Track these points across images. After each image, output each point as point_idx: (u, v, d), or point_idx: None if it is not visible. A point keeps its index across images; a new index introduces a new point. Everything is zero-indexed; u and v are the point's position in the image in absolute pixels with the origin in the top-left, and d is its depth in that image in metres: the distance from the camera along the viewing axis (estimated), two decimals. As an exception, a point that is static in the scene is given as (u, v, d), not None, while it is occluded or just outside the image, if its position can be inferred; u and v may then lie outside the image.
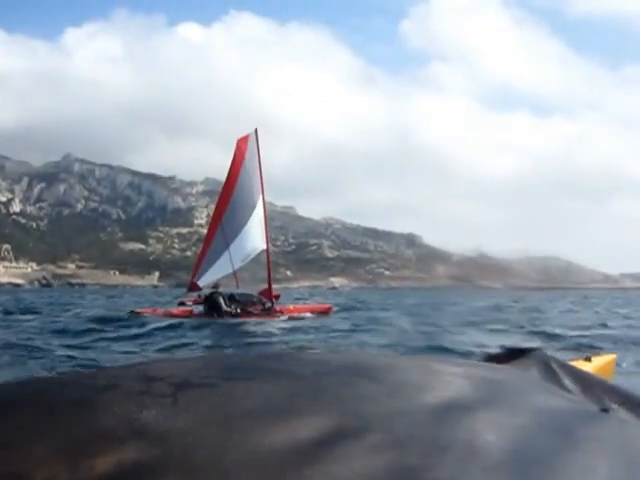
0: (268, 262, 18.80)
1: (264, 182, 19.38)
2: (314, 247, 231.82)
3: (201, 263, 18.55)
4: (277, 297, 18.35)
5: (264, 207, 19.18)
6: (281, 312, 17.42)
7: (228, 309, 16.64)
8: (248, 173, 19.02)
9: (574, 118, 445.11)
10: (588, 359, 2.00)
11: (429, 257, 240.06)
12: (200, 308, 17.19)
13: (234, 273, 18.34)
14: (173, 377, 0.82)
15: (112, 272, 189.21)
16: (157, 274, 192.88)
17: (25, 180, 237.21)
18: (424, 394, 0.88)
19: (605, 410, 0.97)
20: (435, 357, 1.11)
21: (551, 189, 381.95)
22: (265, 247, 18.84)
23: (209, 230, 19.39)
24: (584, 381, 1.12)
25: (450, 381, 0.93)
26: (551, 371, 1.13)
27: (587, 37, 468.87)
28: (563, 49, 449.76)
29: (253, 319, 16.32)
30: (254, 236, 18.67)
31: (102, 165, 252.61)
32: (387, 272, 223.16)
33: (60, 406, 0.75)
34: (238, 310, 16.80)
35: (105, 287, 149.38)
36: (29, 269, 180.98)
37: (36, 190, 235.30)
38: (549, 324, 14.58)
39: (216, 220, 19.04)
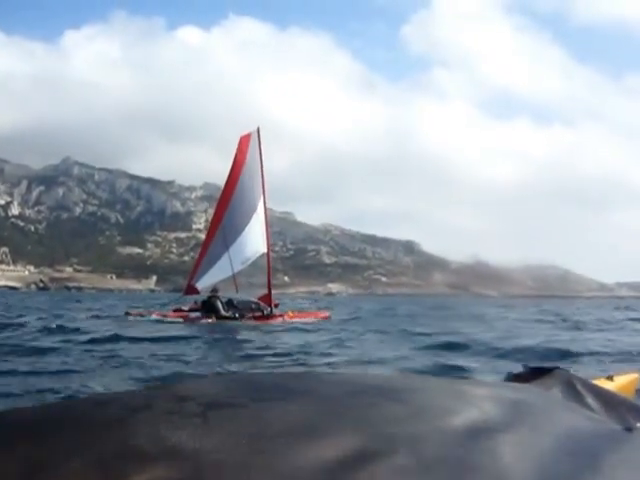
0: (268, 266, 18.21)
1: (265, 184, 18.82)
2: (312, 253, 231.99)
3: (200, 265, 17.96)
4: (276, 306, 17.87)
5: (265, 209, 18.62)
6: (280, 318, 16.99)
7: (226, 314, 16.22)
8: (250, 173, 18.43)
9: (575, 126, 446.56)
10: (610, 378, 2.03)
11: (427, 264, 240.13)
12: (197, 314, 16.69)
13: (233, 277, 17.75)
14: (203, 397, 0.84)
15: (109, 276, 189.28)
16: (154, 278, 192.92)
17: (24, 183, 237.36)
18: (449, 416, 0.88)
19: (629, 429, 0.97)
20: (459, 378, 1.12)
21: (550, 197, 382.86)
22: (265, 250, 18.31)
23: (209, 231, 18.79)
24: (607, 400, 1.12)
25: (475, 403, 0.94)
26: (574, 390, 1.13)
27: (589, 45, 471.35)
28: (565, 56, 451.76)
29: (250, 323, 15.96)
30: (255, 239, 18.11)
31: (101, 169, 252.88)
32: (384, 279, 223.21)
33: (94, 426, 0.77)
34: (236, 315, 16.41)
35: (102, 291, 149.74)
36: (26, 272, 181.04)
37: (35, 193, 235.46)
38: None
39: (216, 221, 18.44)
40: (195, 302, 17.31)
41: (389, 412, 0.87)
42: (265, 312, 17.01)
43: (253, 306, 17.22)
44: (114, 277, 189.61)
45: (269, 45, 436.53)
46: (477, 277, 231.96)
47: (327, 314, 19.33)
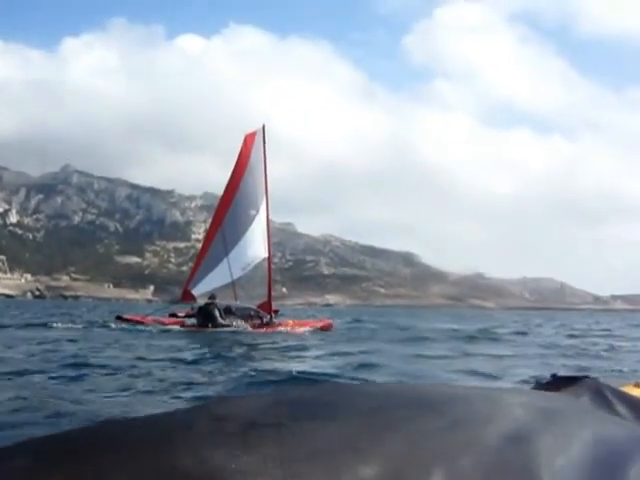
0: (269, 272, 17.45)
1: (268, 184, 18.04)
2: (311, 264, 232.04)
3: (197, 270, 17.09)
4: (276, 312, 17.28)
5: (267, 211, 17.82)
6: (280, 326, 16.28)
7: (223, 321, 15.44)
8: (253, 173, 17.64)
9: (575, 138, 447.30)
10: (638, 385, 2.01)
11: (425, 276, 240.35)
12: (193, 320, 16.01)
13: (233, 284, 16.89)
14: (242, 416, 0.84)
15: (106, 285, 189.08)
16: (152, 288, 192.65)
17: (23, 191, 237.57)
18: (487, 426, 0.89)
19: None
20: (492, 387, 1.14)
21: (548, 210, 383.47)
22: (267, 255, 17.51)
23: (208, 234, 17.91)
24: (636, 407, 1.13)
25: (510, 411, 0.94)
26: (603, 398, 1.13)
27: (591, 58, 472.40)
28: (567, 69, 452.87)
29: (249, 331, 15.30)
30: (256, 242, 17.35)
31: (101, 177, 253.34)
32: (382, 290, 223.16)
33: (134, 447, 0.79)
34: (234, 323, 15.67)
35: (98, 300, 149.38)
36: (22, 280, 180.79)
37: (33, 201, 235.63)
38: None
39: (216, 223, 17.49)
40: (192, 308, 16.67)
41: (427, 425, 0.87)
42: (265, 320, 16.34)
43: (252, 313, 16.51)
44: (111, 286, 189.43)
45: (269, 54, 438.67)
46: (475, 289, 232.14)
47: (329, 322, 18.52)
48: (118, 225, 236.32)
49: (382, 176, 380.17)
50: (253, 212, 17.42)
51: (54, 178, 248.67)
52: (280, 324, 16.56)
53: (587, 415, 1.03)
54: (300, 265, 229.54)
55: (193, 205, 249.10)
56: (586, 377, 1.17)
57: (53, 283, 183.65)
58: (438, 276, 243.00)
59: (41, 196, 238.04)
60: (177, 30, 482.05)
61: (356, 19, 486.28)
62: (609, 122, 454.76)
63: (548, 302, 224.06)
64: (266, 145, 18.38)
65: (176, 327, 15.53)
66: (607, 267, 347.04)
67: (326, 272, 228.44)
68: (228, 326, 15.47)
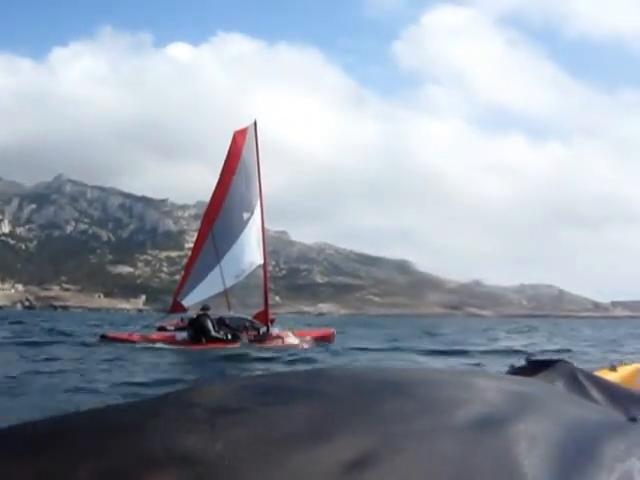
0: (265, 280, 16.27)
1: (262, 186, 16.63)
2: (305, 273, 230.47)
3: (187, 279, 15.74)
4: (272, 321, 16.08)
5: (262, 214, 16.41)
6: (278, 338, 15.18)
7: (217, 335, 14.33)
8: (245, 172, 16.22)
9: (569, 142, 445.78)
10: (614, 368, 2.01)
11: (421, 284, 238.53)
12: (184, 334, 14.83)
13: (225, 293, 15.66)
14: (210, 403, 0.84)
15: (97, 295, 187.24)
16: (143, 298, 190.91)
17: (15, 201, 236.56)
18: (458, 409, 0.88)
19: (633, 419, 0.98)
20: (466, 370, 1.15)
21: (546, 216, 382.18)
22: (262, 262, 16.22)
23: (197, 239, 16.49)
24: (610, 391, 1.13)
25: (482, 395, 0.94)
26: (577, 382, 1.14)
27: (583, 60, 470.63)
28: (558, 72, 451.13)
29: (247, 345, 14.24)
30: (250, 248, 16.02)
31: (94, 187, 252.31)
32: (377, 299, 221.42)
33: (104, 434, 0.79)
34: (229, 336, 14.50)
35: (88, 310, 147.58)
36: (12, 291, 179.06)
37: (26, 211, 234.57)
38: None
39: (206, 228, 16.09)
40: (181, 319, 15.60)
41: (397, 408, 0.86)
42: (262, 331, 15.19)
43: (247, 324, 15.28)
44: (102, 296, 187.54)
45: (259, 61, 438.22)
46: (472, 297, 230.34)
47: (331, 331, 17.49)
48: (111, 234, 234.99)
49: (376, 183, 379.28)
50: (247, 215, 16.14)
51: (47, 187, 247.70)
52: (278, 335, 15.42)
53: (560, 400, 1.03)
54: (294, 274, 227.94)
55: (187, 214, 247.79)
56: (561, 361, 1.18)
57: (43, 293, 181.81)
58: (434, 284, 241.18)
59: (34, 206, 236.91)
60: (165, 38, 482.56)
61: (344, 26, 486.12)
62: (604, 126, 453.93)
63: (547, 309, 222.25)
64: (259, 142, 16.83)
65: (165, 345, 14.17)
66: (607, 273, 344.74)
67: (320, 281, 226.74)
68: (223, 340, 14.34)
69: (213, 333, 14.28)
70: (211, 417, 0.80)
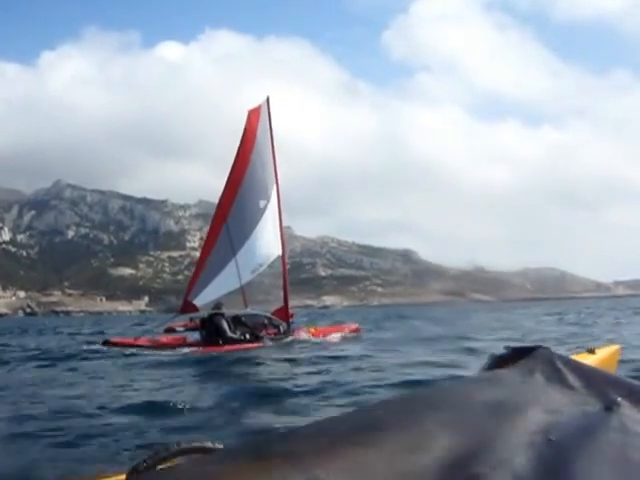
0: (284, 273, 15.13)
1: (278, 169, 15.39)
2: (308, 267, 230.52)
3: (199, 275, 14.38)
4: (292, 316, 15.04)
5: (279, 200, 15.23)
6: (303, 335, 14.28)
7: (234, 335, 13.03)
8: (261, 156, 14.96)
9: (564, 126, 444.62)
10: (592, 351, 1.98)
11: (425, 272, 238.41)
12: (195, 335, 13.74)
13: (242, 289, 14.40)
14: (288, 449, 0.77)
15: (99, 299, 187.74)
16: (146, 299, 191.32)
17: (15, 208, 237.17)
18: (430, 440, 0.85)
19: (609, 408, 0.99)
20: (434, 387, 1.13)
21: (546, 199, 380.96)
22: (280, 253, 15.07)
23: (210, 232, 14.93)
24: (588, 377, 1.14)
25: (453, 413, 0.92)
26: (555, 369, 1.14)
27: (572, 42, 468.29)
28: (549, 54, 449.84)
29: (272, 345, 13.05)
30: (268, 238, 14.82)
31: (94, 190, 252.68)
32: (380, 289, 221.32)
33: None
34: (247, 336, 13.21)
35: (90, 314, 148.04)
36: (13, 298, 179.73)
37: (26, 218, 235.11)
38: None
39: (219, 218, 14.65)
40: (190, 319, 14.76)
41: (380, 449, 0.81)
42: (282, 329, 14.15)
43: (266, 322, 14.13)
44: (104, 299, 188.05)
45: (249, 56, 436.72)
46: (475, 283, 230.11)
47: (356, 326, 16.63)
48: (112, 237, 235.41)
49: (375, 174, 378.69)
50: (263, 202, 14.87)
51: (46, 194, 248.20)
52: (302, 332, 14.50)
53: (536, 399, 1.02)
54: (297, 268, 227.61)
55: (188, 214, 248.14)
56: (539, 348, 1.18)
57: (44, 299, 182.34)
58: (437, 272, 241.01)
59: (34, 212, 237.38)
60: (153, 37, 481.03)
61: (331, 17, 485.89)
62: (598, 107, 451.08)
63: (549, 292, 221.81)
64: (272, 121, 15.62)
65: (172, 352, 12.27)
66: (609, 253, 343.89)
67: (323, 274, 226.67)
68: (241, 340, 13.04)
69: (229, 333, 12.99)
70: (296, 464, 0.74)
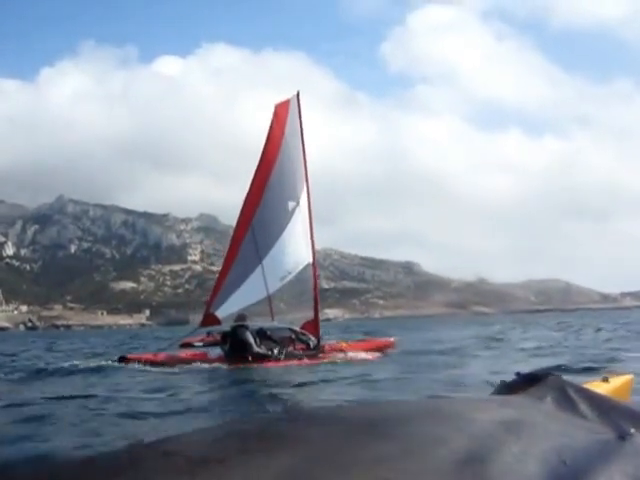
0: (315, 282, 14.08)
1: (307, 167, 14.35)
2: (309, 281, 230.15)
3: (221, 285, 13.23)
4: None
5: (309, 202, 14.18)
6: (337, 352, 13.06)
7: (260, 350, 11.98)
8: (289, 154, 13.98)
9: (567, 135, 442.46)
10: (605, 380, 1.96)
11: (427, 285, 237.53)
12: (217, 350, 12.60)
13: (269, 299, 13.34)
14: (191, 452, 0.82)
15: (99, 312, 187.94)
16: (147, 312, 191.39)
17: (19, 223, 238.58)
18: (439, 448, 0.85)
19: (622, 437, 0.96)
20: (446, 400, 1.08)
21: (551, 210, 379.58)
22: (311, 260, 13.95)
23: (234, 237, 13.80)
24: (600, 406, 1.11)
25: (464, 429, 0.91)
26: (567, 397, 1.11)
27: (573, 50, 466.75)
28: (549, 63, 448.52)
29: (302, 364, 11.96)
30: (297, 244, 13.76)
31: (96, 205, 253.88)
32: (381, 301, 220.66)
33: None
34: (274, 351, 12.15)
35: (91, 328, 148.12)
36: (15, 312, 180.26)
37: (30, 233, 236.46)
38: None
39: (245, 221, 13.55)
40: (208, 333, 13.12)
41: (379, 452, 0.84)
42: (312, 345, 12.97)
43: (293, 336, 12.94)
44: (105, 313, 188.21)
45: (246, 69, 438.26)
46: (478, 295, 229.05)
47: (391, 340, 15.52)
48: (115, 251, 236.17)
49: (377, 185, 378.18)
50: (292, 204, 13.83)
51: (50, 208, 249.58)
52: (334, 348, 13.30)
53: (545, 422, 1.00)
54: (300, 281, 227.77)
55: (189, 227, 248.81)
56: (550, 375, 1.16)
57: (45, 313, 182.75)
58: (440, 284, 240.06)
59: (37, 227, 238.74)
60: (150, 52, 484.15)
61: (328, 29, 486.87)
62: (600, 116, 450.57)
63: (553, 303, 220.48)
64: (302, 118, 14.68)
65: (203, 364, 11.78)
66: (616, 264, 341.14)
67: (326, 286, 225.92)
68: (267, 356, 11.96)
69: (256, 348, 11.94)
70: (191, 468, 0.78)
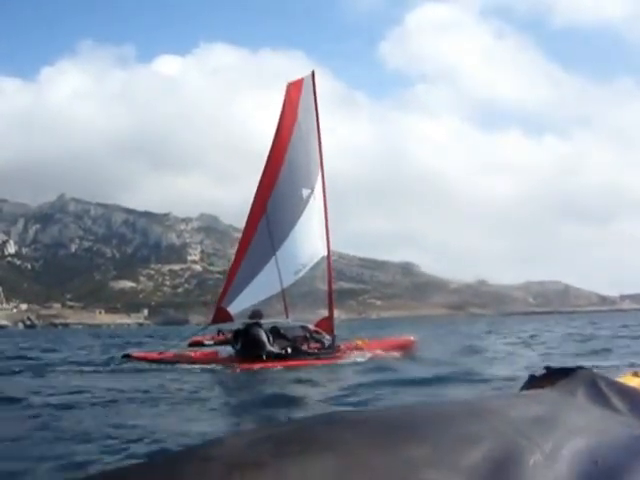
0: (329, 277, 13.52)
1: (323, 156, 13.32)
2: (308, 280, 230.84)
3: (233, 280, 12.57)
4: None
5: (324, 190, 13.28)
6: (354, 350, 12.60)
7: (274, 349, 11.42)
8: (302, 137, 13.03)
9: (568, 135, 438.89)
10: (636, 374, 1.96)
11: (425, 286, 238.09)
12: (228, 349, 12.06)
13: (283, 294, 12.80)
14: (227, 457, 0.83)
15: (98, 311, 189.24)
16: (145, 312, 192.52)
17: (21, 221, 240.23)
18: (472, 449, 0.85)
19: None
20: (476, 398, 1.09)
21: (550, 211, 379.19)
22: (325, 253, 13.30)
23: (246, 228, 12.97)
24: (633, 399, 1.10)
25: (496, 427, 0.91)
26: (598, 390, 1.10)
27: (573, 49, 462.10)
28: (549, 62, 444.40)
29: (318, 363, 11.52)
30: (312, 235, 12.97)
31: (97, 204, 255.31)
32: (379, 302, 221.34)
33: None
34: (289, 350, 11.59)
35: (89, 327, 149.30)
36: (14, 310, 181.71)
37: (31, 231, 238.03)
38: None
39: (258, 210, 12.68)
40: (219, 332, 12.76)
41: (409, 453, 0.84)
42: (326, 343, 12.46)
43: (307, 335, 12.49)
44: (103, 312, 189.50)
45: (244, 69, 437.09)
46: (476, 297, 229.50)
47: (411, 339, 14.56)
48: (115, 251, 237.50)
49: (376, 186, 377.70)
50: (306, 192, 12.91)
51: (51, 207, 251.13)
52: (351, 347, 12.75)
53: (578, 416, 1.00)
54: (297, 282, 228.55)
55: (189, 227, 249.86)
56: (581, 368, 1.14)
57: (44, 312, 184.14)
58: (438, 285, 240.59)
59: (39, 226, 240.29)
60: (148, 51, 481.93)
61: (326, 29, 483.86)
62: (602, 116, 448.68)
63: (552, 305, 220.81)
64: (317, 99, 13.61)
65: (213, 365, 11.38)
66: (615, 266, 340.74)
67: (323, 287, 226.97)
68: (282, 356, 11.39)
69: (269, 347, 11.34)
70: (228, 473, 0.78)
